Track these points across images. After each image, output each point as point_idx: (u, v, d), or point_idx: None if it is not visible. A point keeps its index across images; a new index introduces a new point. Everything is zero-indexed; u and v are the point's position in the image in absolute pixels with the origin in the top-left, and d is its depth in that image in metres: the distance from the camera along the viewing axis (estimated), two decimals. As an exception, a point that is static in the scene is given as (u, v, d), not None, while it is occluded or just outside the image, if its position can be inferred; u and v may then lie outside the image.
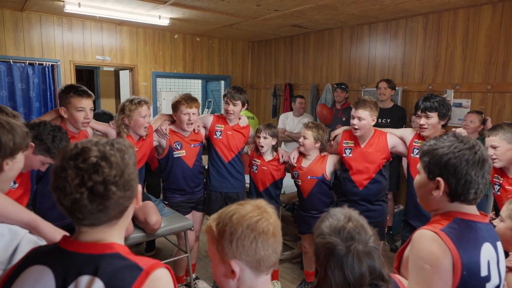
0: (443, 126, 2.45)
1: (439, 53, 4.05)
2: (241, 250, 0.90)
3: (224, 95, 2.94)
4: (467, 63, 3.83)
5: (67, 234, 1.07)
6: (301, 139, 2.83)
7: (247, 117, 3.37)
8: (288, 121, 4.80)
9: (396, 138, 2.68)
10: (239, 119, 3.01)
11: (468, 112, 3.51)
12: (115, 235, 0.91)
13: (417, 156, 2.53)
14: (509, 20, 3.49)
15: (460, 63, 3.88)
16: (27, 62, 4.68)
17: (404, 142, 2.64)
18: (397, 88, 4.21)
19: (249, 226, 0.91)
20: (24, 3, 4.22)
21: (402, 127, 3.87)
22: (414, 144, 2.55)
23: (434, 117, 2.38)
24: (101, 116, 3.29)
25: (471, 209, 1.18)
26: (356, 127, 2.62)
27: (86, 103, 2.27)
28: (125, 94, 6.30)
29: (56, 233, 1.27)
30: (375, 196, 2.73)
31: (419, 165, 1.23)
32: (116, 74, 7.05)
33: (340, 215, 1.01)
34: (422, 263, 1.08)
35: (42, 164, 1.81)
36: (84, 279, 0.82)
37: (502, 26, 3.55)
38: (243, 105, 2.93)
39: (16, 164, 1.28)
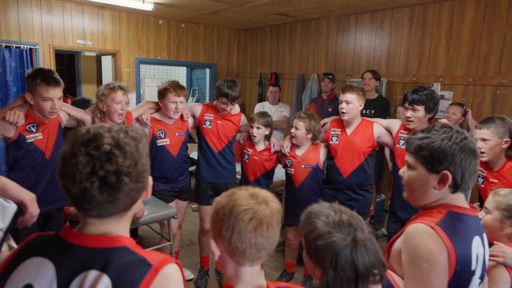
0: (430, 119, 2.46)
1: (423, 45, 4.10)
2: (219, 233, 0.91)
3: (221, 94, 2.78)
4: (451, 55, 3.88)
5: (33, 195, 1.02)
6: (293, 130, 2.82)
7: None
8: (265, 110, 4.77)
9: (382, 128, 2.70)
10: None
11: (450, 104, 3.57)
12: (122, 227, 0.87)
13: (403, 147, 2.57)
14: (492, 14, 3.55)
15: (444, 55, 3.94)
16: (3, 45, 4.48)
17: (390, 133, 2.66)
18: (381, 79, 4.24)
19: (231, 213, 0.89)
20: (0, -18, 4.04)
21: (385, 118, 3.92)
22: (400, 135, 2.58)
23: (420, 111, 2.38)
24: (81, 103, 3.19)
25: (463, 201, 1.17)
26: (344, 111, 2.63)
27: (54, 93, 2.15)
28: (108, 80, 6.13)
29: (23, 193, 1.22)
30: (359, 185, 2.76)
31: (412, 161, 1.17)
32: (98, 60, 6.85)
33: (328, 211, 0.98)
34: (419, 261, 1.06)
35: None
36: (92, 274, 0.77)
37: (485, 20, 3.60)
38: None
39: None
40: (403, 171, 1.22)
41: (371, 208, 3.18)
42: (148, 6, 4.64)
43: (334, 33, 5.06)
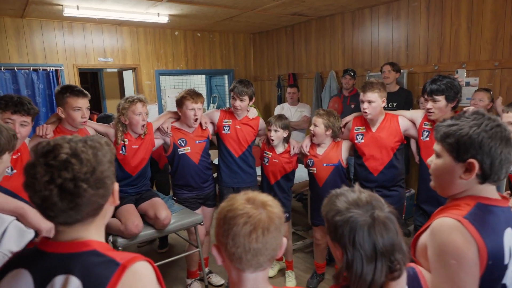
0: (453, 108, 2.35)
1: (443, 32, 3.96)
2: (218, 239, 0.92)
3: (231, 90, 2.89)
4: (473, 40, 3.74)
5: (51, 225, 1.04)
6: (311, 127, 2.78)
7: None
8: (285, 111, 4.73)
9: (407, 120, 2.61)
10: (247, 111, 2.99)
11: (475, 91, 3.43)
12: (93, 233, 0.90)
13: (427, 139, 2.51)
14: (515, -7, 3.39)
15: (466, 41, 3.79)
16: (31, 68, 4.72)
17: (415, 124, 2.58)
18: (402, 70, 4.13)
19: (226, 218, 0.90)
20: (24, 10, 4.24)
21: (408, 110, 3.81)
22: (424, 126, 2.49)
23: (441, 101, 2.29)
24: (105, 120, 3.33)
25: (493, 192, 1.11)
26: (367, 111, 2.56)
27: (82, 103, 2.32)
28: (130, 94, 6.31)
29: (41, 222, 1.28)
30: (391, 182, 2.67)
31: (439, 148, 1.13)
32: (120, 75, 7.07)
33: (349, 192, 0.99)
34: (447, 258, 1.01)
35: None
36: (59, 279, 0.82)
37: (508, 0, 3.44)
38: (250, 99, 2.88)
39: (2, 164, 1.30)
40: (431, 159, 1.18)
41: (404, 203, 3.08)
42: (163, 19, 4.75)
43: (350, 28, 4.99)
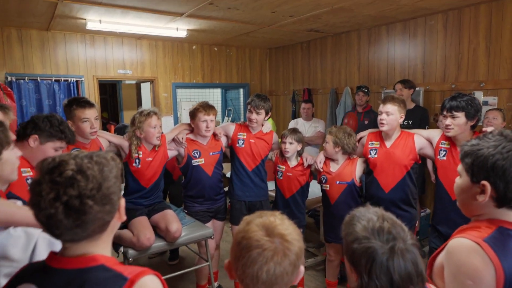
0: (473, 127, 2.32)
1: (461, 51, 3.93)
2: (231, 256, 0.91)
3: (248, 103, 2.91)
4: (492, 59, 3.69)
5: None
6: (324, 144, 2.79)
7: None
8: (299, 126, 4.72)
9: (423, 139, 2.58)
10: (262, 125, 3.01)
11: (487, 110, 3.36)
12: (100, 248, 0.89)
13: (444, 158, 2.47)
14: (535, 12, 3.35)
15: (484, 59, 3.74)
16: (54, 79, 4.87)
17: (431, 144, 2.55)
18: (418, 88, 4.10)
19: (239, 244, 0.88)
20: (49, 23, 4.41)
21: (424, 128, 3.76)
22: (440, 146, 2.45)
23: (461, 117, 2.26)
24: (122, 130, 3.38)
25: None
26: (384, 121, 2.54)
27: (90, 113, 2.34)
28: (147, 106, 6.44)
29: None
30: (402, 201, 2.63)
31: (460, 167, 1.13)
32: (138, 87, 7.23)
33: (371, 215, 0.96)
34: (463, 279, 0.99)
35: (55, 150, 1.88)
36: None
37: (528, 19, 3.40)
38: (266, 114, 2.90)
39: (5, 164, 1.30)
40: (457, 178, 1.18)
41: (416, 224, 3.02)
42: (182, 33, 4.86)
43: (366, 45, 5.00)
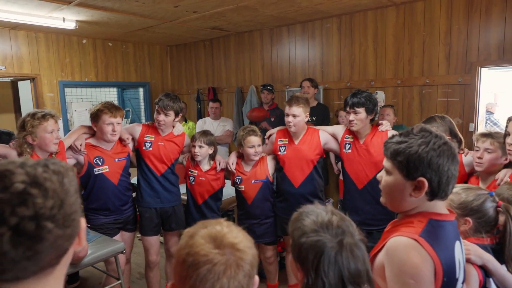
0: (371, 120, 2.54)
1: (353, 52, 4.31)
2: (175, 278, 0.78)
3: (156, 103, 2.66)
4: (379, 60, 4.13)
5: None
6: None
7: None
8: (206, 126, 4.64)
9: (327, 134, 2.74)
10: (173, 127, 2.80)
11: (381, 107, 3.77)
12: (51, 284, 0.66)
13: (349, 151, 2.65)
14: (411, 20, 3.85)
15: (373, 60, 4.17)
16: None
17: (336, 139, 2.71)
18: (318, 86, 4.36)
19: (185, 263, 0.76)
20: None
21: (327, 124, 4.02)
22: (345, 139, 2.63)
23: (362, 113, 2.45)
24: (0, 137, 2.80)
25: (442, 207, 1.13)
26: (291, 124, 2.62)
27: None
28: (27, 107, 5.55)
29: None
30: (311, 194, 2.74)
31: (389, 166, 1.12)
32: (14, 86, 6.18)
33: (319, 211, 0.94)
34: (406, 278, 0.99)
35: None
36: None
37: (405, 26, 3.89)
38: (176, 115, 2.68)
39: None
40: (381, 175, 1.18)
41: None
42: (70, 25, 4.29)
43: (268, 44, 5.13)
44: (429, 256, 1.00)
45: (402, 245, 1.03)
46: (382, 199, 1.20)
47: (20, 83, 5.81)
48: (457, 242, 1.10)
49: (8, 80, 6.08)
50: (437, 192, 1.06)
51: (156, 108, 2.66)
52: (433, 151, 1.04)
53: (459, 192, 1.46)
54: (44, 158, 0.68)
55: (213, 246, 0.76)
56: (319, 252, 0.86)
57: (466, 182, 2.16)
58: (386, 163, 1.14)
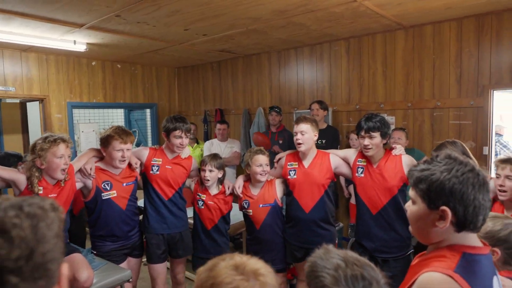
0: (384, 144, 2.48)
1: (362, 75, 4.29)
2: None
3: (173, 129, 2.57)
4: (388, 83, 4.11)
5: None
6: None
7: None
8: (214, 148, 4.61)
9: (339, 158, 2.67)
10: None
11: (393, 130, 3.70)
12: None
13: (362, 175, 2.58)
14: (420, 43, 3.84)
15: (382, 83, 4.15)
16: None
17: (348, 163, 2.64)
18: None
19: None
20: None
21: (337, 146, 3.97)
22: (358, 163, 2.56)
23: (377, 137, 2.39)
24: (6, 160, 2.75)
25: (476, 239, 1.06)
26: (300, 141, 2.57)
27: None
28: (35, 129, 5.56)
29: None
30: (323, 220, 2.66)
31: (413, 194, 1.08)
32: (23, 107, 6.22)
33: (336, 261, 0.87)
34: None
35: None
36: None
37: (415, 49, 3.89)
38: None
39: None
40: (408, 205, 1.13)
41: (336, 242, 3.09)
42: (80, 47, 4.33)
43: (276, 67, 5.15)
44: None
45: (437, 282, 0.96)
46: (410, 229, 1.15)
47: (28, 104, 5.86)
48: (495, 278, 1.03)
49: (17, 101, 6.13)
50: (464, 223, 1.00)
51: (176, 133, 2.58)
52: (455, 178, 0.99)
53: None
54: (22, 198, 0.62)
55: (236, 273, 0.76)
56: None
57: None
58: (410, 191, 1.10)
